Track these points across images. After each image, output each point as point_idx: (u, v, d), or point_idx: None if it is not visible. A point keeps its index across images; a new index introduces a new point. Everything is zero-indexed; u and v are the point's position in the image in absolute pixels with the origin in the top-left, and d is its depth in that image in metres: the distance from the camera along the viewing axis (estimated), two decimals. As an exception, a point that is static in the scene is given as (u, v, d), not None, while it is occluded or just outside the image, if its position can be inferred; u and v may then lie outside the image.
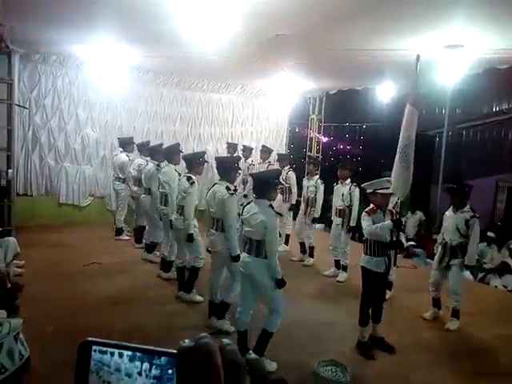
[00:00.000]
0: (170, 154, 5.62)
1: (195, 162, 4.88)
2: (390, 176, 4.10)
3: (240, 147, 8.59)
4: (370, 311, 4.00)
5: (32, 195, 7.75)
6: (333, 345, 4.06)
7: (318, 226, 7.11)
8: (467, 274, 7.78)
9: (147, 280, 5.52)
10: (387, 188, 3.96)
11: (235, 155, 7.66)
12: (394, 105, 10.34)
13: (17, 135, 7.02)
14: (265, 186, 3.63)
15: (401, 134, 3.90)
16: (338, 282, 5.88)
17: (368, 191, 4.12)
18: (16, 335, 1.76)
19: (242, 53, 5.66)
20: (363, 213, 4.06)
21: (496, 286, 7.29)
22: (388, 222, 3.89)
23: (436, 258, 4.83)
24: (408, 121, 3.86)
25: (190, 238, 4.75)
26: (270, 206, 3.56)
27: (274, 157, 8.17)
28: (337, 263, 6.08)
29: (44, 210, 7.78)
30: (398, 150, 3.88)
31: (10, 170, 6.66)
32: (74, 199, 8.12)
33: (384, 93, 7.93)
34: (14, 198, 6.79)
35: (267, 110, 10.13)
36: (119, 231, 7.41)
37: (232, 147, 8.43)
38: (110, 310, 4.48)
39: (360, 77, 7.47)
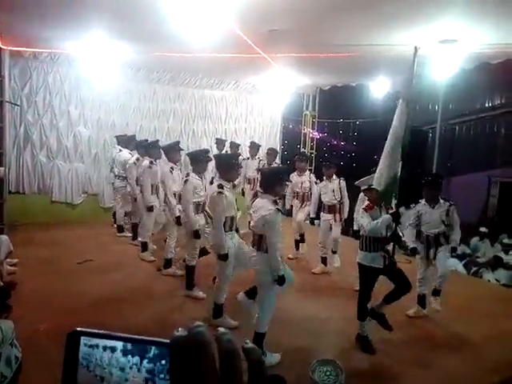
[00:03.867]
0: (168, 151, 5.64)
1: (198, 160, 4.89)
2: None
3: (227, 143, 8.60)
4: (390, 291, 3.93)
5: (24, 193, 7.67)
6: (328, 339, 4.07)
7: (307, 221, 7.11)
8: (460, 267, 7.87)
9: (143, 277, 5.50)
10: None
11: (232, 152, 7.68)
12: (388, 101, 10.38)
13: (8, 133, 6.94)
14: (270, 181, 3.67)
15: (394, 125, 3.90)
16: (335, 267, 6.01)
17: (362, 188, 4.12)
18: (11, 341, 1.74)
19: (234, 49, 5.64)
20: (361, 210, 4.03)
21: (489, 280, 7.35)
22: (387, 216, 3.88)
23: (421, 254, 4.72)
24: (398, 113, 3.89)
25: (196, 235, 4.80)
26: (275, 201, 3.58)
27: (263, 152, 8.19)
28: (323, 260, 6.08)
29: (36, 207, 7.72)
30: (389, 142, 3.89)
31: (1, 168, 6.59)
32: (66, 197, 8.06)
33: (378, 89, 7.94)
34: (5, 196, 6.73)
35: (261, 107, 10.11)
36: (121, 228, 7.40)
37: (221, 143, 8.43)
38: (105, 307, 4.45)
39: (354, 72, 7.47)
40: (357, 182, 4.24)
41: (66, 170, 8.00)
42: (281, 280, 3.48)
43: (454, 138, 12.27)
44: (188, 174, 4.87)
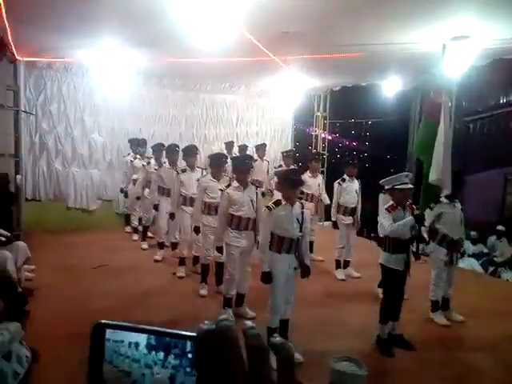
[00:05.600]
0: (184, 154, 5.89)
1: (215, 163, 5.10)
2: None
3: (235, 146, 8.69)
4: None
5: (40, 200, 7.80)
6: (345, 343, 4.01)
7: (326, 223, 7.05)
8: (477, 266, 7.74)
9: (158, 281, 5.53)
10: (406, 183, 3.90)
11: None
12: (399, 100, 10.29)
13: (24, 141, 7.06)
14: (280, 184, 3.81)
15: (441, 127, 3.86)
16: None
17: (386, 187, 4.07)
18: (21, 340, 1.79)
19: (245, 52, 5.65)
20: (384, 210, 3.96)
21: (507, 280, 7.22)
22: (410, 218, 3.79)
23: (443, 258, 4.47)
24: (444, 113, 3.85)
25: (195, 230, 5.11)
26: (275, 202, 3.70)
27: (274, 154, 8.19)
28: (339, 263, 5.98)
29: (53, 214, 7.82)
30: (442, 143, 3.84)
31: (18, 176, 6.71)
32: (82, 203, 8.17)
33: (390, 88, 7.88)
34: (22, 204, 6.84)
35: (272, 109, 10.10)
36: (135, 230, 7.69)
37: (230, 146, 8.55)
38: (120, 311, 4.47)
39: (365, 72, 7.43)
40: (382, 181, 4.17)
41: (82, 176, 8.11)
42: (262, 276, 3.61)
43: (469, 135, 12.09)
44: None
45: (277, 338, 0.43)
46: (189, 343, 0.43)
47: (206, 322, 0.42)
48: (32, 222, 7.14)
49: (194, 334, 0.43)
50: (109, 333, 0.45)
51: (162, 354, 0.44)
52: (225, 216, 4.31)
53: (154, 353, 0.44)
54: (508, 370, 3.60)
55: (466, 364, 3.72)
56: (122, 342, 0.45)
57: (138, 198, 7.25)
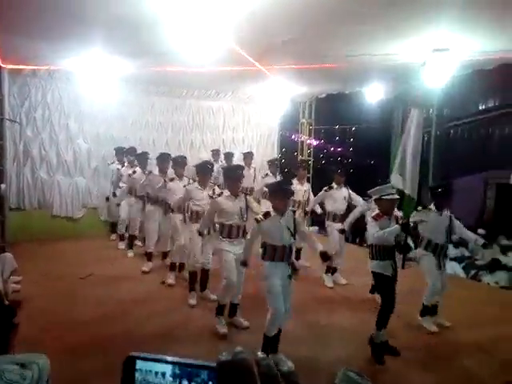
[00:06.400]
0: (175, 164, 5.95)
1: (202, 172, 5.19)
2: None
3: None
4: (378, 316, 3.96)
5: (25, 209, 7.71)
6: (334, 348, 4.07)
7: (311, 228, 7.13)
8: (459, 270, 7.93)
9: (147, 289, 5.52)
10: (392, 194, 4.00)
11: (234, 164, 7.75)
12: (382, 108, 10.50)
13: (8, 149, 6.98)
14: (272, 195, 3.84)
15: (406, 134, 3.95)
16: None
17: (374, 197, 4.17)
18: (48, 379, 1.71)
19: (231, 61, 5.72)
20: (370, 218, 4.06)
21: (488, 283, 7.41)
22: (396, 227, 3.89)
23: (434, 262, 4.62)
24: (415, 122, 3.94)
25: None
26: (265, 214, 3.76)
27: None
28: (335, 270, 6.04)
29: (37, 223, 7.73)
30: (407, 150, 3.93)
31: (2, 185, 6.61)
32: (67, 211, 8.09)
33: (372, 95, 8.04)
34: (7, 213, 6.75)
35: (258, 116, 10.17)
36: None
37: (217, 154, 8.66)
38: (109, 321, 4.47)
39: (350, 81, 7.57)
40: (369, 191, 4.27)
41: (66, 184, 8.04)
42: None
43: (450, 141, 12.39)
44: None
45: (286, 368, 0.49)
46: (207, 372, 0.49)
47: (223, 353, 0.48)
48: (17, 230, 7.04)
49: (213, 364, 0.49)
50: (138, 363, 0.51)
51: (186, 382, 0.50)
52: (210, 219, 4.57)
53: (178, 381, 0.50)
54: (490, 374, 3.70)
55: (450, 367, 3.82)
56: (150, 371, 0.51)
57: (117, 205, 7.42)
